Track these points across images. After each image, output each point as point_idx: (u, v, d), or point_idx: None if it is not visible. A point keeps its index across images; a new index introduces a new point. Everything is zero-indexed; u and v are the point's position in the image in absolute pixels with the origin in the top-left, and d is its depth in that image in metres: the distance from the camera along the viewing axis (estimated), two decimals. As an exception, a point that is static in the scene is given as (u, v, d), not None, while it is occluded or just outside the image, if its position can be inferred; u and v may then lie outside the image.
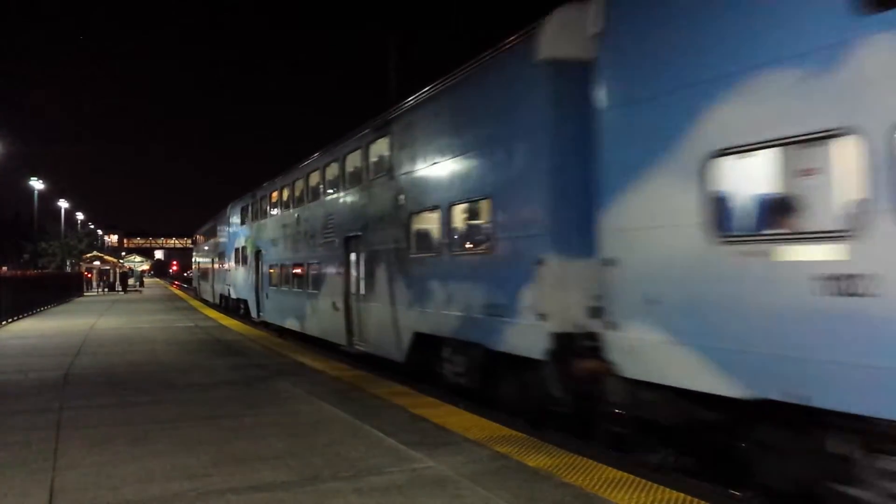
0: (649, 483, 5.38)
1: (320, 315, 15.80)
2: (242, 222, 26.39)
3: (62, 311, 29.70)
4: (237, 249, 27.10)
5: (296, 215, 18.48)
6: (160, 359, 13.25)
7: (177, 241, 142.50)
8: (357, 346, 13.56)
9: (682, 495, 5.10)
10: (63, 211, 66.56)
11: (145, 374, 11.30)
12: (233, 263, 28.16)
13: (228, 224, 29.60)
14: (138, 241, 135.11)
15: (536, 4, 8.42)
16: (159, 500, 5.13)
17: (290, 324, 18.60)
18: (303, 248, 17.59)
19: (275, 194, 21.50)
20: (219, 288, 33.43)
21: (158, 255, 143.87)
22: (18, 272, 43.89)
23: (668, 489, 5.24)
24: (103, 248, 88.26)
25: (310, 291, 16.59)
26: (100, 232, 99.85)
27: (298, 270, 18.13)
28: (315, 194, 17.16)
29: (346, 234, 14.17)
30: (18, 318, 24.14)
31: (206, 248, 39.61)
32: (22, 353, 14.51)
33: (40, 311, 28.51)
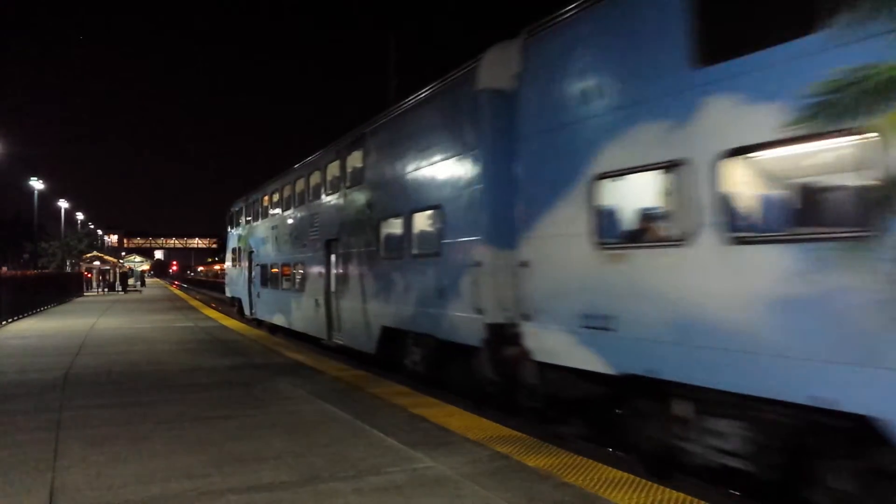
0: (649, 483, 5.39)
1: None
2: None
3: (62, 311, 29.68)
4: None
5: None
6: (160, 359, 13.24)
7: (176, 241, 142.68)
8: None
9: (682, 495, 5.11)
10: (63, 211, 66.65)
11: (145, 374, 11.30)
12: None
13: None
14: (138, 241, 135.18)
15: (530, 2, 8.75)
16: (159, 500, 5.13)
17: None
18: None
19: None
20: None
21: (158, 255, 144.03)
22: (18, 272, 43.87)
23: (668, 489, 5.25)
24: (103, 248, 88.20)
25: None
26: (100, 232, 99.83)
27: None
28: None
29: None
30: (18, 318, 24.13)
31: (301, 215, 18.18)
32: (22, 352, 14.51)
33: (40, 310, 28.50)
